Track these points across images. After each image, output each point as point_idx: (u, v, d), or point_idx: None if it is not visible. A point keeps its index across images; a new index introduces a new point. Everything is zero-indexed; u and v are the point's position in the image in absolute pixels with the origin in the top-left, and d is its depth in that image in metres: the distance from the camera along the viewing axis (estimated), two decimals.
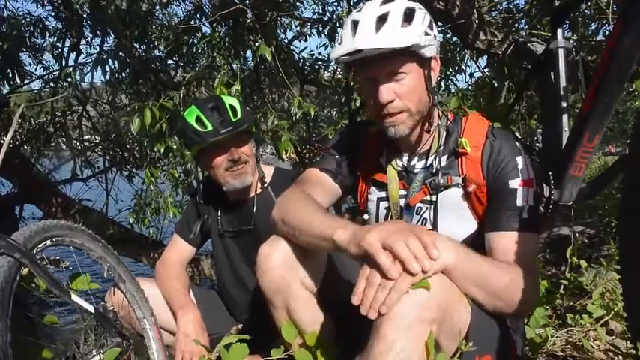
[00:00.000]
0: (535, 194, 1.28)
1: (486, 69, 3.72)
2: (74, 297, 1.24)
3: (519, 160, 1.29)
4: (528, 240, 1.23)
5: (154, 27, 4.78)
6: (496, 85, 3.15)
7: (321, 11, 4.66)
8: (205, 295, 2.00)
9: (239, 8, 3.46)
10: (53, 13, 4.82)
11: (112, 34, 4.47)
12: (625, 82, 1.14)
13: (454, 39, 4.13)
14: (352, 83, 3.72)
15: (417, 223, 1.39)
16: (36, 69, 5.28)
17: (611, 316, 1.87)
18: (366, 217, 1.50)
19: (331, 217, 1.20)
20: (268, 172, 1.93)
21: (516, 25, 3.63)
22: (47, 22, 4.95)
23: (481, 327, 1.11)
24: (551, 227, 3.45)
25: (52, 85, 5.14)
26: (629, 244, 1.14)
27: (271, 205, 1.38)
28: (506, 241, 1.23)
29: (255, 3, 3.65)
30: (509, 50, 2.65)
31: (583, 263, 2.24)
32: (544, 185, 1.32)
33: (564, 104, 1.57)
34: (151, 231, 4.45)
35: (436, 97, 1.32)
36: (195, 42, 4.33)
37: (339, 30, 3.71)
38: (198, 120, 1.72)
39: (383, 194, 1.44)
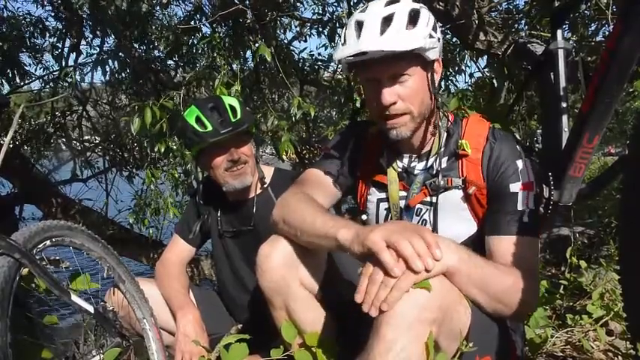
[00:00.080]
0: (535, 197, 1.28)
1: (486, 69, 3.72)
2: (74, 297, 1.24)
3: (520, 163, 1.29)
4: (529, 244, 1.23)
5: (153, 27, 4.78)
6: (496, 85, 3.14)
7: (321, 12, 4.66)
8: (205, 296, 2.00)
9: (239, 9, 3.46)
10: (53, 14, 4.82)
11: (112, 34, 4.47)
12: (625, 82, 1.14)
13: (454, 39, 4.14)
14: (352, 83, 3.72)
15: (417, 224, 1.38)
16: (36, 69, 5.29)
17: (610, 317, 1.87)
18: (364, 217, 1.50)
19: (333, 216, 1.20)
20: (268, 172, 1.93)
21: (516, 25, 3.64)
22: (47, 23, 4.96)
23: (481, 328, 1.12)
24: (551, 227, 3.45)
25: (52, 85, 5.14)
26: (629, 244, 1.14)
27: (271, 206, 1.38)
28: (506, 244, 1.23)
29: (255, 3, 3.65)
30: (509, 51, 2.65)
31: (583, 264, 2.24)
32: (544, 186, 1.32)
33: (564, 104, 1.57)
34: (151, 231, 4.44)
35: (439, 99, 1.32)
36: (195, 42, 4.33)
37: (339, 30, 3.71)
38: (198, 120, 1.72)
39: (383, 195, 1.44)
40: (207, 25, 4.03)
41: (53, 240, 1.22)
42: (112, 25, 4.03)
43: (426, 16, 1.24)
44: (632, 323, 1.18)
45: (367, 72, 1.27)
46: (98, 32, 4.63)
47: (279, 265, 1.23)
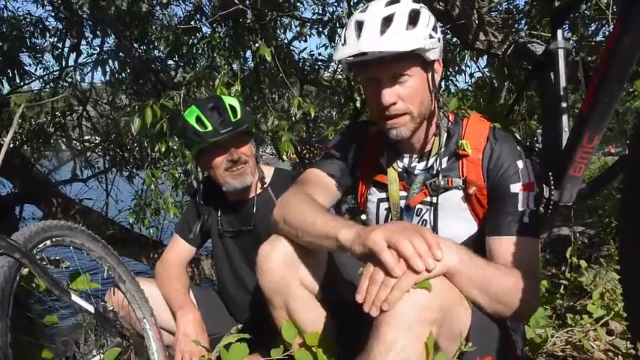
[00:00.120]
0: (536, 197, 1.28)
1: (486, 69, 3.72)
2: (74, 297, 1.24)
3: (520, 163, 1.28)
4: (529, 244, 1.23)
5: (154, 27, 4.78)
6: (496, 85, 3.15)
7: (321, 12, 4.66)
8: (205, 296, 2.00)
9: (239, 8, 3.46)
10: (53, 14, 4.83)
11: (112, 34, 4.47)
12: (625, 82, 1.14)
13: (454, 39, 4.14)
14: (353, 83, 3.72)
15: (417, 224, 1.38)
16: (36, 69, 5.29)
17: (611, 317, 1.87)
18: (363, 217, 1.50)
19: (334, 217, 1.20)
20: (268, 172, 1.93)
21: (516, 25, 3.63)
22: (47, 23, 4.96)
23: (482, 328, 1.12)
24: (551, 227, 3.45)
25: (52, 85, 5.15)
26: (629, 244, 1.14)
27: (271, 206, 1.38)
28: (507, 245, 1.22)
29: (255, 3, 3.65)
30: (509, 51, 2.65)
31: (583, 263, 2.24)
32: (544, 186, 1.32)
33: (564, 104, 1.57)
34: (151, 231, 4.45)
35: (440, 100, 1.32)
36: (195, 42, 4.33)
37: (339, 30, 3.71)
38: (198, 120, 1.72)
39: (383, 195, 1.44)
40: (207, 25, 4.03)
41: (53, 240, 1.22)
42: (112, 25, 4.03)
43: (427, 17, 1.24)
44: (632, 323, 1.17)
45: (367, 72, 1.27)
46: (98, 32, 4.64)
47: (279, 265, 1.23)
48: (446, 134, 1.37)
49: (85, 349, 1.31)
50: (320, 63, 4.91)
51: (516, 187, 1.26)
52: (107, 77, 4.85)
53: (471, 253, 1.12)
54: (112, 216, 5.23)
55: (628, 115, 5.05)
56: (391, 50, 1.17)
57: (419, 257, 0.98)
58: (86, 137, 5.97)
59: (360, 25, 1.21)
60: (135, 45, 4.66)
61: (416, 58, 1.22)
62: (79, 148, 5.84)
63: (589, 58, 2.73)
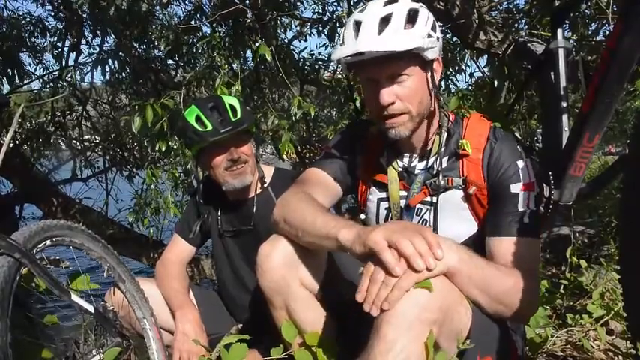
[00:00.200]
0: (536, 198, 1.28)
1: (486, 68, 3.72)
2: (74, 297, 1.24)
3: (520, 163, 1.28)
4: (529, 245, 1.23)
5: (154, 27, 4.77)
6: (496, 85, 3.14)
7: (321, 11, 4.66)
8: (205, 295, 2.00)
9: (239, 8, 3.46)
10: (53, 13, 4.82)
11: (112, 34, 4.47)
12: (625, 82, 1.14)
13: (454, 39, 4.14)
14: (353, 83, 3.72)
15: (417, 224, 1.38)
16: (36, 69, 5.29)
17: (611, 316, 1.87)
18: (363, 217, 1.50)
19: (334, 217, 1.20)
20: (268, 172, 1.93)
21: (516, 25, 3.63)
22: (47, 22, 4.96)
23: (482, 328, 1.12)
24: (552, 227, 3.45)
25: (52, 85, 5.15)
26: (629, 243, 1.14)
27: (271, 205, 1.38)
28: (507, 245, 1.22)
29: (255, 3, 3.65)
30: (510, 50, 2.65)
31: (583, 263, 2.24)
32: (544, 185, 1.32)
33: (564, 104, 1.57)
34: (151, 231, 4.45)
35: (441, 99, 1.32)
36: (195, 42, 4.33)
37: (339, 30, 3.71)
38: (198, 119, 1.72)
39: (383, 195, 1.44)
40: (207, 24, 4.03)
41: (53, 240, 1.22)
42: (112, 24, 4.03)
43: (425, 16, 1.24)
44: (632, 322, 1.17)
45: (366, 72, 1.27)
46: (98, 32, 4.63)
47: (279, 264, 1.23)
48: (446, 134, 1.37)
49: (85, 349, 1.31)
50: (320, 63, 4.91)
51: (516, 187, 1.26)
52: (107, 77, 4.85)
53: (472, 253, 1.12)
54: (111, 216, 5.23)
55: (628, 115, 5.06)
56: (388, 50, 1.17)
57: (419, 256, 0.98)
58: (86, 137, 5.97)
59: (358, 24, 1.21)
60: (135, 45, 4.65)
61: (414, 57, 1.22)
62: (79, 147, 5.84)
63: (589, 58, 2.73)
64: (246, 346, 1.27)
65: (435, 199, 1.35)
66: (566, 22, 2.82)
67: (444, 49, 4.13)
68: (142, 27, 4.33)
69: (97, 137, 5.99)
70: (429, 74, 1.28)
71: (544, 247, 3.42)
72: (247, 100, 4.33)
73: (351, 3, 3.68)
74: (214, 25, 3.98)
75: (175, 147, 3.51)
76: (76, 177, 5.69)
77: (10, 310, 0.99)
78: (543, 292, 1.98)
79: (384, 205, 1.44)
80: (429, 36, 1.22)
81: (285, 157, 3.81)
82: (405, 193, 1.40)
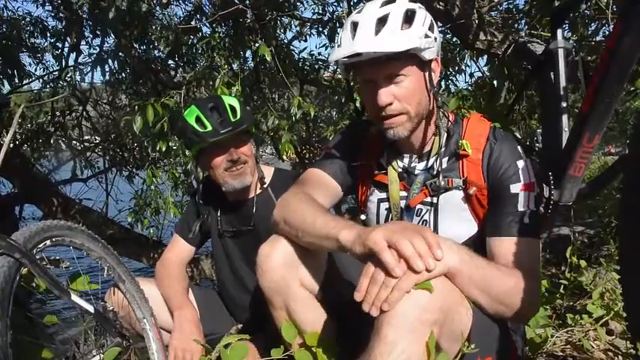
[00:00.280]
0: (536, 198, 1.28)
1: (486, 68, 3.72)
2: (74, 297, 1.24)
3: (520, 163, 1.28)
4: (530, 245, 1.23)
5: (154, 27, 4.78)
6: (496, 85, 3.14)
7: (321, 11, 4.67)
8: (205, 295, 2.00)
9: (239, 8, 3.46)
10: (53, 14, 4.83)
11: (111, 34, 4.47)
12: (625, 82, 1.14)
13: (454, 39, 4.14)
14: (352, 83, 3.72)
15: (418, 224, 1.38)
16: (36, 69, 5.29)
17: (611, 316, 1.87)
18: (363, 217, 1.50)
19: (335, 217, 1.20)
20: (268, 172, 1.93)
21: (516, 25, 3.63)
22: (47, 23, 4.96)
23: (482, 329, 1.11)
24: (551, 227, 3.45)
25: (52, 85, 5.15)
26: (629, 244, 1.14)
27: (271, 206, 1.38)
28: (507, 246, 1.22)
29: (255, 3, 3.65)
30: (509, 50, 2.65)
31: (583, 263, 2.24)
32: (544, 185, 1.31)
33: (564, 104, 1.57)
34: (151, 231, 4.45)
35: (439, 99, 1.32)
36: (195, 42, 4.33)
37: (339, 30, 3.71)
38: (197, 120, 1.72)
39: (383, 195, 1.44)
40: (207, 25, 4.03)
41: (53, 240, 1.22)
42: (112, 24, 4.03)
43: (422, 16, 1.24)
44: (632, 323, 1.17)
45: (363, 73, 1.27)
46: (98, 32, 4.63)
47: (279, 265, 1.23)
48: (446, 134, 1.37)
49: (85, 349, 1.31)
50: (320, 63, 4.92)
51: (516, 188, 1.26)
52: (107, 77, 4.85)
53: (472, 253, 1.11)
54: (111, 216, 5.23)
55: (628, 115, 5.05)
56: (385, 51, 1.17)
57: (419, 257, 0.98)
58: (86, 137, 5.97)
59: (355, 25, 1.21)
60: (135, 45, 4.65)
61: (412, 57, 1.22)
62: (79, 148, 5.84)
63: (589, 58, 2.73)
64: (247, 346, 1.27)
65: (435, 200, 1.35)
66: (566, 22, 2.82)
67: (444, 50, 4.14)
68: (141, 27, 4.33)
69: (97, 137, 5.99)
70: (427, 74, 1.28)
71: (544, 247, 3.41)
72: (247, 101, 4.33)
73: (351, 3, 3.68)
74: (214, 25, 3.99)
75: (175, 147, 3.51)
76: (76, 177, 5.69)
77: (10, 310, 0.99)
78: (543, 293, 1.98)
79: (384, 205, 1.44)
80: (427, 36, 1.22)
81: (285, 157, 3.81)
82: (405, 194, 1.40)
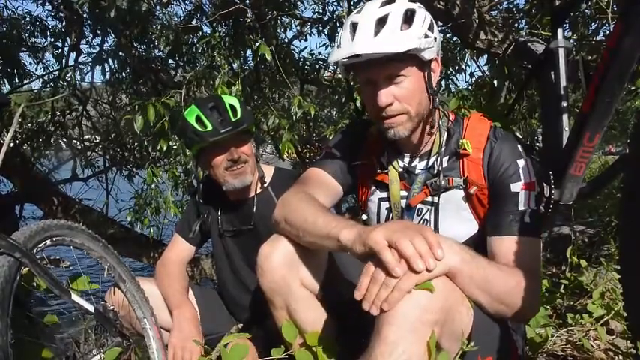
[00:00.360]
0: (537, 197, 1.27)
1: (486, 67, 3.72)
2: (74, 296, 1.24)
3: (521, 162, 1.28)
4: (530, 244, 1.23)
5: (154, 27, 4.78)
6: (496, 84, 3.14)
7: (321, 11, 4.67)
8: (205, 295, 2.00)
9: (239, 8, 3.46)
10: (53, 13, 4.83)
11: (112, 33, 4.47)
12: (625, 81, 1.14)
13: (454, 38, 4.14)
14: (353, 83, 3.72)
15: (418, 224, 1.38)
16: (36, 68, 5.29)
17: (611, 316, 1.87)
18: (365, 217, 1.50)
19: (336, 217, 1.20)
20: (268, 171, 1.93)
21: (516, 24, 3.63)
22: (47, 22, 4.97)
23: (483, 328, 1.11)
24: (552, 227, 3.45)
25: (52, 84, 5.15)
26: (629, 243, 1.14)
27: (271, 205, 1.38)
28: (508, 245, 1.22)
29: (255, 2, 3.65)
30: (510, 50, 2.65)
31: (583, 263, 2.24)
32: (544, 185, 1.31)
33: (564, 104, 1.56)
34: (152, 230, 4.45)
35: (437, 99, 1.32)
36: (196, 42, 4.33)
37: (339, 29, 3.72)
38: (198, 119, 1.72)
39: (384, 194, 1.44)
40: (208, 24, 4.03)
41: (53, 239, 1.22)
42: (112, 24, 4.03)
43: (422, 16, 1.23)
44: (632, 322, 1.17)
45: (363, 73, 1.27)
46: (98, 32, 4.63)
47: (279, 264, 1.23)
48: (446, 134, 1.37)
49: (86, 349, 1.31)
50: (320, 62, 4.92)
51: (517, 187, 1.26)
52: (107, 77, 4.85)
53: (473, 253, 1.11)
54: (112, 216, 5.23)
55: (628, 115, 5.05)
56: (385, 52, 1.16)
57: (419, 257, 0.97)
58: (86, 137, 5.98)
59: (354, 26, 1.21)
60: (135, 44, 4.66)
61: (411, 58, 1.22)
62: (79, 147, 5.84)
63: (589, 58, 2.73)
64: (247, 346, 1.27)
65: (435, 199, 1.35)
66: (567, 21, 2.82)
67: (444, 49, 4.14)
68: (142, 27, 4.33)
69: (97, 137, 5.99)
70: (427, 74, 1.28)
71: (544, 247, 3.41)
72: (247, 100, 4.33)
73: (351, 3, 3.68)
74: (214, 24, 3.99)
75: (176, 147, 3.51)
76: (76, 177, 5.69)
77: (10, 309, 0.99)
78: (543, 292, 1.98)
79: (384, 205, 1.44)
80: (426, 36, 1.22)
81: (285, 156, 3.81)
82: (405, 193, 1.40)
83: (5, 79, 4.56)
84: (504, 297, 1.13)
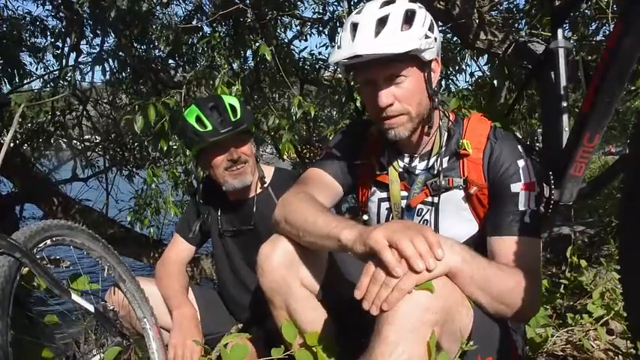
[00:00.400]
0: (537, 197, 1.27)
1: (486, 67, 3.72)
2: (74, 296, 1.24)
3: (521, 163, 1.28)
4: (530, 244, 1.23)
5: (154, 27, 4.78)
6: (496, 84, 3.14)
7: (321, 11, 4.67)
8: (205, 295, 2.00)
9: (239, 8, 3.46)
10: (53, 13, 4.83)
11: (112, 33, 4.47)
12: (625, 81, 1.14)
13: (454, 39, 4.14)
14: (353, 83, 3.72)
15: (418, 224, 1.38)
16: (36, 68, 5.29)
17: (611, 316, 1.87)
18: (365, 217, 1.50)
19: (336, 217, 1.20)
20: (268, 171, 1.93)
21: (516, 24, 3.63)
22: (47, 22, 4.97)
23: (483, 328, 1.11)
24: (552, 227, 3.45)
25: (52, 84, 5.15)
26: (629, 243, 1.14)
27: (271, 205, 1.38)
28: (508, 245, 1.22)
29: (255, 2, 3.65)
30: (510, 50, 2.65)
31: (583, 263, 2.24)
32: (544, 185, 1.31)
33: (564, 104, 1.56)
34: (152, 230, 4.45)
35: (436, 99, 1.32)
36: (196, 42, 4.33)
37: (339, 29, 3.72)
38: (198, 119, 1.72)
39: (384, 195, 1.44)
40: (208, 24, 4.03)
41: (53, 239, 1.22)
42: (112, 24, 4.03)
43: (422, 16, 1.23)
44: (632, 322, 1.17)
45: (363, 74, 1.26)
46: (98, 32, 4.63)
47: (279, 265, 1.23)
48: (446, 134, 1.37)
49: (85, 349, 1.31)
50: (320, 62, 4.92)
51: (517, 187, 1.26)
52: (107, 77, 4.85)
53: (473, 253, 1.11)
54: (112, 216, 5.23)
55: (628, 115, 5.06)
56: (385, 52, 1.16)
57: (419, 257, 0.97)
58: (86, 137, 5.97)
59: (355, 26, 1.21)
60: (135, 44, 4.66)
61: (412, 58, 1.21)
62: (80, 147, 5.84)
63: (589, 58, 2.72)
64: (247, 346, 1.27)
65: (435, 200, 1.35)
66: (567, 21, 2.82)
67: (444, 49, 4.14)
68: (142, 27, 4.33)
69: (97, 137, 5.99)
70: (427, 75, 1.27)
71: (544, 247, 3.41)
72: (247, 100, 4.33)
73: (352, 3, 3.68)
74: (214, 24, 3.99)
75: (176, 147, 3.51)
76: (76, 177, 5.69)
77: (10, 309, 0.99)
78: (543, 292, 1.98)
79: (384, 205, 1.44)
80: (427, 37, 1.22)
81: (285, 156, 3.81)
82: (405, 194, 1.40)
83: (5, 79, 4.56)
84: (504, 297, 1.13)
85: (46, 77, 5.27)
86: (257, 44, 3.47)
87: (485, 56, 3.14)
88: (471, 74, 4.86)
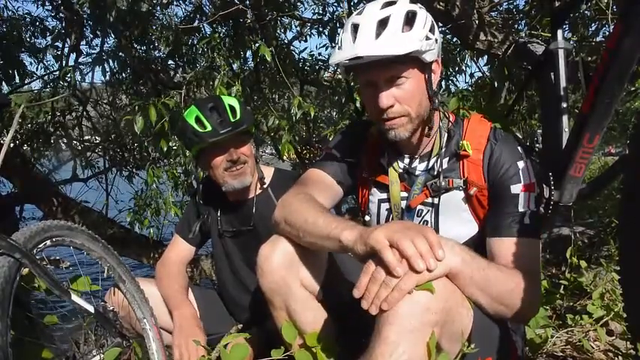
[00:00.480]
0: (536, 198, 1.28)
1: (486, 68, 3.72)
2: (74, 297, 1.24)
3: (521, 164, 1.28)
4: (530, 245, 1.23)
5: (154, 27, 4.78)
6: (496, 85, 3.14)
7: (321, 12, 4.67)
8: (205, 295, 2.00)
9: (239, 8, 3.46)
10: (53, 13, 4.83)
11: (112, 34, 4.47)
12: (625, 82, 1.14)
13: (454, 39, 4.14)
14: (353, 84, 3.72)
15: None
16: (36, 69, 5.29)
17: (611, 317, 1.87)
18: (367, 218, 1.50)
19: (336, 217, 1.20)
20: (268, 172, 1.94)
21: (516, 25, 3.64)
22: (47, 22, 4.97)
23: (483, 329, 1.12)
24: (552, 227, 3.45)
25: (52, 85, 5.14)
26: (629, 244, 1.14)
27: (271, 206, 1.38)
28: (508, 246, 1.22)
29: (255, 3, 3.65)
30: (510, 51, 2.65)
31: (583, 264, 2.24)
32: (544, 186, 1.32)
33: (564, 105, 1.57)
34: (152, 231, 4.44)
35: (436, 101, 1.32)
36: (196, 42, 4.34)
37: (339, 30, 3.72)
38: (197, 120, 1.72)
39: (384, 195, 1.44)
40: (208, 25, 4.03)
41: (53, 240, 1.22)
42: (112, 24, 4.03)
43: (423, 18, 1.23)
44: (632, 323, 1.18)
45: (364, 75, 1.26)
46: (98, 32, 4.63)
47: (279, 265, 1.23)
48: (446, 135, 1.37)
49: (85, 349, 1.31)
50: (320, 63, 4.92)
51: (517, 188, 1.26)
52: (107, 77, 4.85)
53: (473, 254, 1.11)
54: (112, 216, 5.23)
55: (628, 115, 5.06)
56: (386, 54, 1.16)
57: (420, 257, 0.98)
58: (86, 137, 5.97)
59: (355, 28, 1.21)
60: (135, 45, 4.65)
61: (413, 60, 1.22)
62: (79, 147, 5.84)
63: (589, 58, 2.73)
64: (247, 346, 1.27)
65: (435, 200, 1.35)
66: (566, 22, 2.82)
67: (444, 50, 4.14)
68: (142, 27, 4.33)
69: (97, 137, 5.99)
70: (427, 76, 1.28)
71: (544, 248, 3.41)
72: (247, 101, 4.33)
73: (352, 3, 3.68)
74: (214, 25, 3.99)
75: (176, 147, 3.51)
76: (76, 177, 5.69)
77: (10, 310, 0.99)
78: (543, 293, 1.98)
79: (384, 205, 1.44)
80: (427, 38, 1.21)
81: (285, 157, 3.81)
82: (405, 194, 1.40)
83: (5, 80, 4.56)
84: (504, 298, 1.13)
85: (46, 78, 5.27)
86: (257, 45, 3.47)
87: (485, 57, 3.14)
88: (471, 75, 4.87)
